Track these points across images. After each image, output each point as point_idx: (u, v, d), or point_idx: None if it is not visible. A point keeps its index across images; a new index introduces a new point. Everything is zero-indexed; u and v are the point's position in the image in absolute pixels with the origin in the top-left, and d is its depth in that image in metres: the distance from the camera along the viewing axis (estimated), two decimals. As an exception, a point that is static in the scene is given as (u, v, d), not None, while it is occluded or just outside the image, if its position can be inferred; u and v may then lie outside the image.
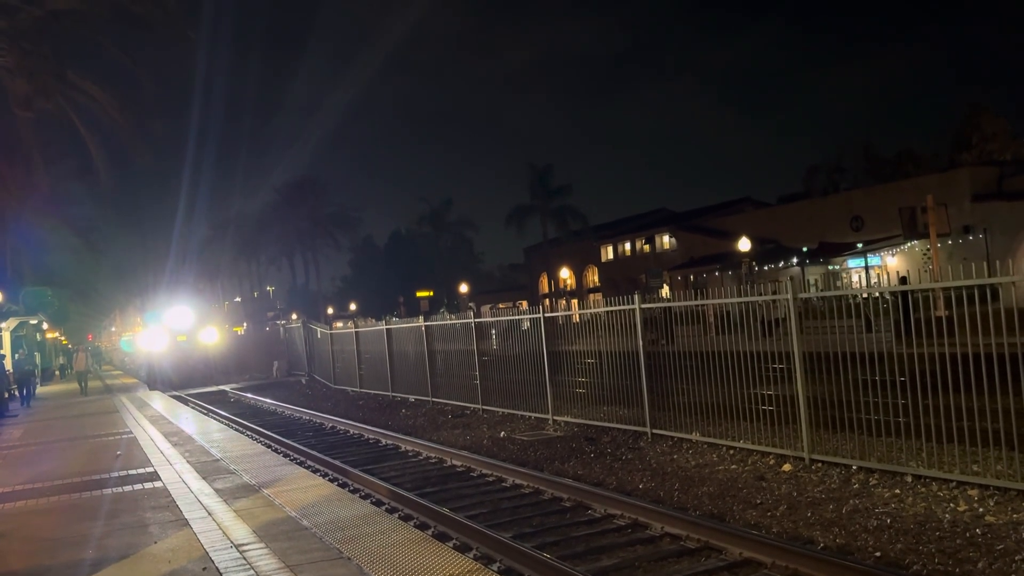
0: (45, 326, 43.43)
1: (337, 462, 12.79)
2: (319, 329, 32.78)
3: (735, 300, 11.36)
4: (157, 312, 37.83)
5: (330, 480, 10.97)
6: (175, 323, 36.54)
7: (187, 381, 33.91)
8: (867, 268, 38.67)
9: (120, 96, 22.96)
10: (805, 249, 39.85)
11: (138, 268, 64.85)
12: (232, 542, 6.59)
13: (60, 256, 43.91)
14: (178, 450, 12.19)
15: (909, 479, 8.72)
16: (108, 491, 9.29)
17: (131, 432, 15.03)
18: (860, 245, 38.81)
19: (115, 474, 10.34)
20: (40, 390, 32.40)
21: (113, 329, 76.91)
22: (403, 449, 14.22)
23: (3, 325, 29.74)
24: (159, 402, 22.54)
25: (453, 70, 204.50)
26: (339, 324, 40.47)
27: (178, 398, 26.50)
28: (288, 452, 14.47)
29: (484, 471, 11.47)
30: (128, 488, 9.37)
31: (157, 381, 33.21)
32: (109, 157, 25.76)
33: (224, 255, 77.96)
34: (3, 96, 22.98)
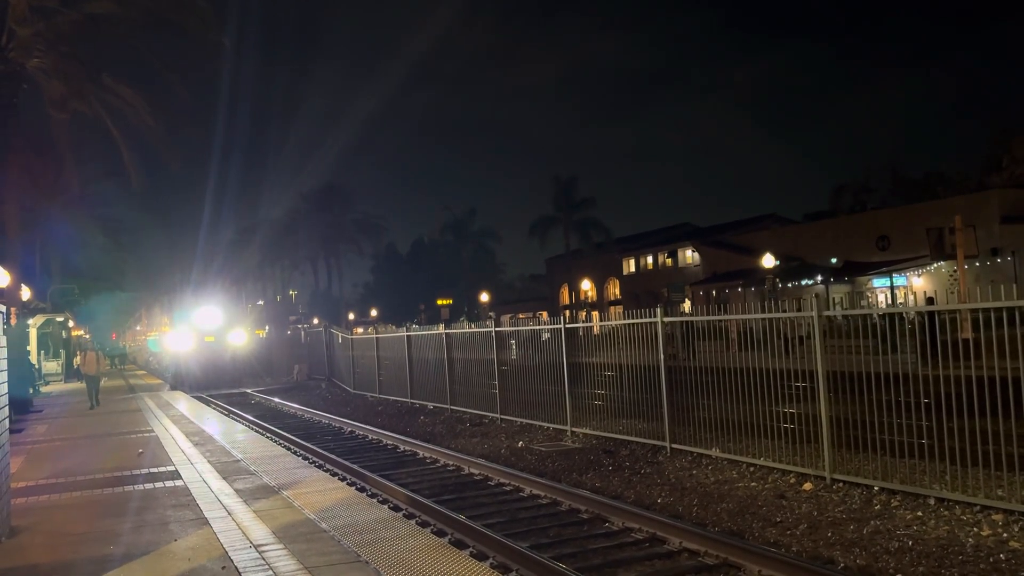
0: (71, 324, 44.00)
1: (356, 466, 12.84)
2: (340, 334, 32.92)
3: (758, 316, 11.29)
4: (186, 312, 37.93)
5: (348, 484, 11.01)
6: (204, 323, 36.56)
7: (215, 382, 34.00)
8: (892, 288, 38.28)
9: (153, 100, 23.32)
10: (834, 260, 39.39)
11: (165, 269, 65.72)
12: (251, 542, 6.64)
13: (88, 255, 44.64)
14: (199, 450, 12.31)
15: (932, 502, 8.61)
16: (129, 488, 9.40)
17: (153, 431, 15.20)
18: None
19: (137, 472, 10.46)
20: (63, 387, 32.83)
21: (139, 328, 77.74)
22: (421, 456, 14.26)
23: (30, 322, 30.16)
24: (182, 403, 22.75)
25: (481, 82, 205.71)
26: (359, 330, 40.63)
27: (201, 399, 26.71)
28: (307, 455, 14.54)
29: (502, 480, 11.47)
30: (149, 486, 9.48)
31: (183, 382, 33.34)
32: (140, 160, 26.16)
33: (249, 259, 78.75)
34: (38, 97, 23.43)
